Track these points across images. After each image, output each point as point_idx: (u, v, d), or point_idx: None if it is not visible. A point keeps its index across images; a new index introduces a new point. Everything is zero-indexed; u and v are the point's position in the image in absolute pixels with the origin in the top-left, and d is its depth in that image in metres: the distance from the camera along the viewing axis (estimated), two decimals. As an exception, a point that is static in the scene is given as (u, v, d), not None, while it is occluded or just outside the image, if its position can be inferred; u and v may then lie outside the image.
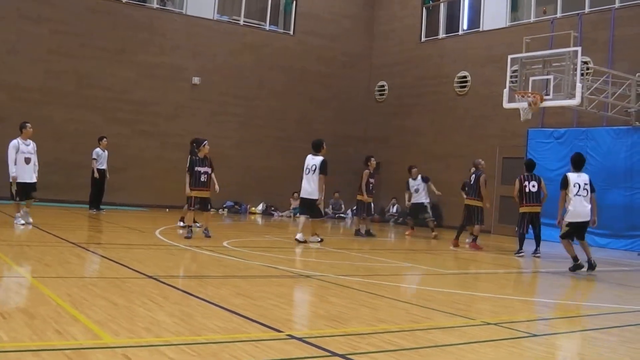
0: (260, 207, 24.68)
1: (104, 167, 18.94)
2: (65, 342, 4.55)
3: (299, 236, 13.52)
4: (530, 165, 14.88)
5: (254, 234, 16.93)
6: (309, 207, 13.89)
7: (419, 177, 18.40)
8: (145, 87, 23.22)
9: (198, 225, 14.16)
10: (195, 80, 24.12)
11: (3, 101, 20.67)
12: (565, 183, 11.75)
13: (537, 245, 14.54)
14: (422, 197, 18.39)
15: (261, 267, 9.65)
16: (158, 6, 24.15)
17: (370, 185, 16.97)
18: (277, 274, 9.06)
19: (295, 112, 26.15)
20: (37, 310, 5.39)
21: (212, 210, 14.37)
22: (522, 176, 14.65)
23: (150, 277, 7.85)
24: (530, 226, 14.58)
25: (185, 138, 23.64)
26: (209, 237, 12.84)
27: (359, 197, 17.07)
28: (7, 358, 4.11)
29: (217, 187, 13.64)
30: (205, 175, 12.92)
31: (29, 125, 13.58)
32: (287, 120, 25.93)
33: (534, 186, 14.42)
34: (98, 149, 18.88)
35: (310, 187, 13.69)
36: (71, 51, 22.01)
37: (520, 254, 14.28)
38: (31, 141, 13.59)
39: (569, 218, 11.65)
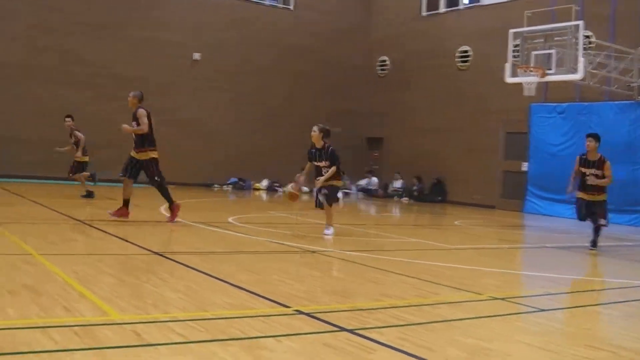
0: (264, 183, 24.55)
1: None
2: (74, 318, 4.55)
3: None
4: None
5: (258, 209, 16.91)
6: None
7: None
8: (132, 62, 22.54)
9: None
10: (196, 56, 23.83)
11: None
12: None
13: None
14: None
15: (266, 242, 9.64)
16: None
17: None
18: (282, 250, 9.05)
19: (292, 88, 25.83)
20: (44, 288, 5.38)
21: None
22: None
23: (156, 253, 7.85)
24: None
25: (176, 114, 23.29)
26: None
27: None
28: (15, 334, 4.11)
29: None
30: None
31: None
32: (285, 97, 25.61)
33: None
34: None
35: None
36: (54, 26, 21.30)
37: None
38: None
39: None
